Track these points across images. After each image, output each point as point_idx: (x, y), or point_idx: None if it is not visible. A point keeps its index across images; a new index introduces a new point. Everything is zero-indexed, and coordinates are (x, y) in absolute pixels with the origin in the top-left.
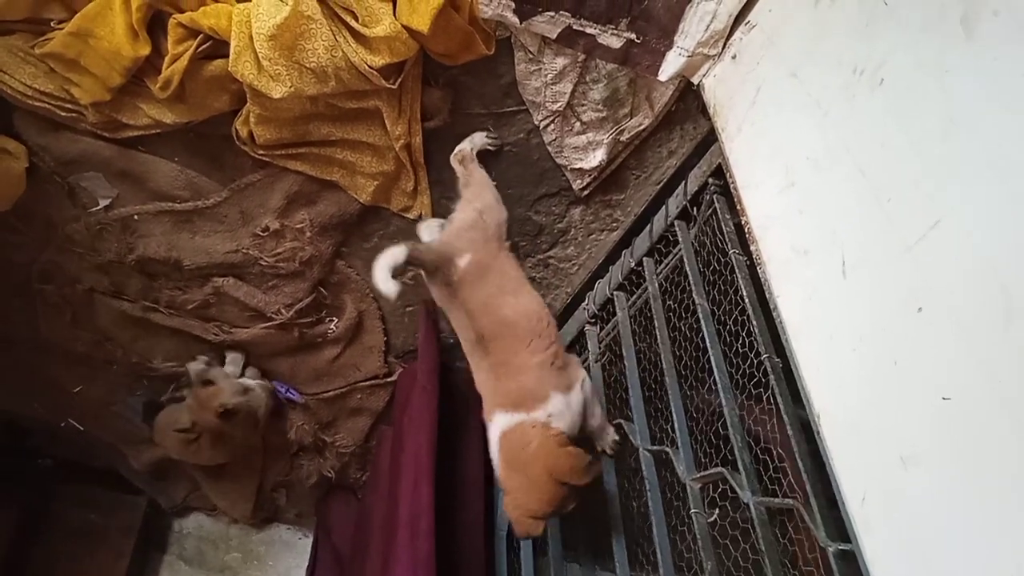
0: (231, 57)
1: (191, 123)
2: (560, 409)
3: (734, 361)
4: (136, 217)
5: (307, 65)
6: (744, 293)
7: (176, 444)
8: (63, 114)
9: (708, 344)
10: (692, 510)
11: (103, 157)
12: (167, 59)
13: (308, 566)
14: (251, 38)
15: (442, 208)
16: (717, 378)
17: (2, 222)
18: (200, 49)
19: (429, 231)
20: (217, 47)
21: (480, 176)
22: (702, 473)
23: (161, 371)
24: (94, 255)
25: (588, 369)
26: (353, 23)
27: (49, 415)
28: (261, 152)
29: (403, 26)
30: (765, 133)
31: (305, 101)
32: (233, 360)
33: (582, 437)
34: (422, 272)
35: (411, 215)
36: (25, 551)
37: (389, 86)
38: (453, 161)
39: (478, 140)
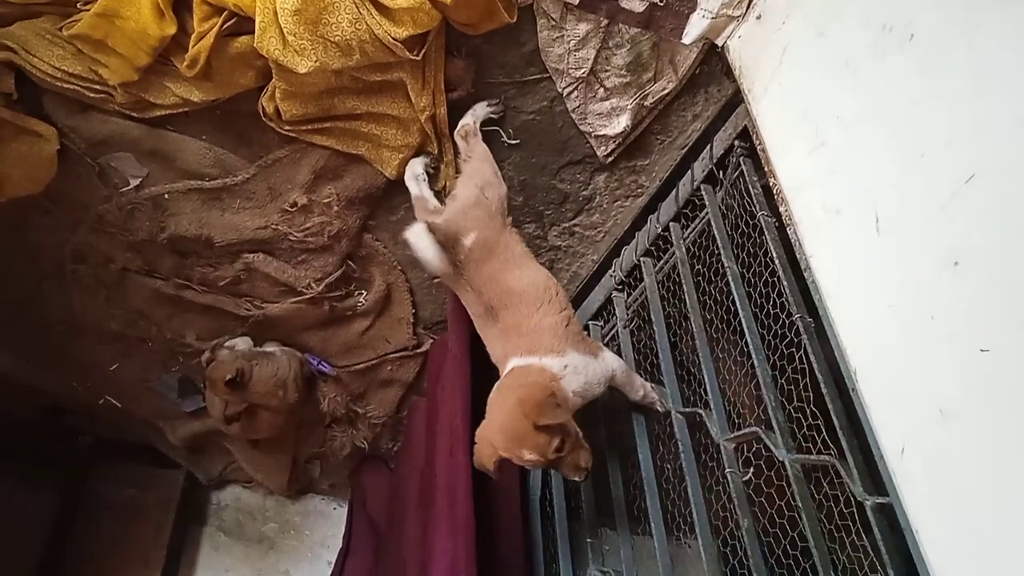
0: (256, 33)
1: (218, 100)
2: (578, 366)
3: (765, 322)
4: (166, 196)
5: (331, 39)
6: (774, 254)
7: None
8: (92, 95)
9: (738, 306)
10: (727, 470)
11: (132, 137)
12: (193, 37)
13: (344, 535)
14: (276, 13)
15: None
16: (748, 339)
17: (34, 204)
18: (225, 26)
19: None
20: (242, 24)
21: (481, 151)
22: (736, 433)
23: (195, 347)
24: (126, 234)
25: (617, 335)
26: None
27: (87, 394)
28: (287, 128)
29: None
30: (793, 94)
31: (330, 75)
32: (241, 342)
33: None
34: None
35: (435, 187)
36: (68, 528)
37: (413, 57)
38: (456, 136)
39: (480, 111)
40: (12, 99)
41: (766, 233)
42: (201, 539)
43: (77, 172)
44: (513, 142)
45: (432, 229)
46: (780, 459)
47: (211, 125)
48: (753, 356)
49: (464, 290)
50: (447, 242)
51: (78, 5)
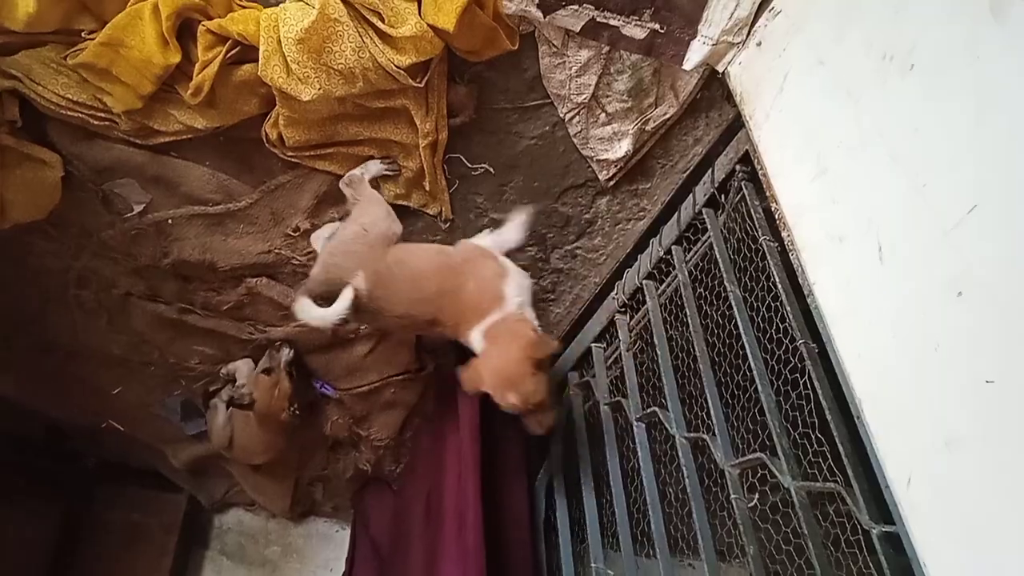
0: (260, 62)
1: (221, 127)
2: (515, 290)
3: (768, 347)
4: (170, 221)
5: (335, 67)
6: (776, 279)
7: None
8: (96, 123)
9: (741, 330)
10: (732, 496)
11: (136, 163)
12: (197, 66)
13: (347, 558)
14: (279, 42)
15: (468, 203)
16: (752, 364)
17: (38, 230)
18: (229, 55)
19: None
20: (245, 52)
21: (369, 193)
22: (740, 459)
23: (197, 371)
24: (129, 260)
25: (620, 357)
26: (379, 24)
27: (89, 417)
28: (290, 154)
29: (429, 25)
30: (795, 120)
31: (333, 102)
32: (243, 365)
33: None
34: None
35: (430, 211)
36: (71, 552)
37: (416, 85)
38: (341, 185)
39: (372, 168)
40: (17, 126)
41: (768, 258)
42: (204, 563)
43: (81, 198)
44: (477, 170)
45: (312, 289)
46: (785, 486)
47: (214, 151)
48: (757, 381)
49: (395, 322)
50: (333, 288)
51: (83, 34)
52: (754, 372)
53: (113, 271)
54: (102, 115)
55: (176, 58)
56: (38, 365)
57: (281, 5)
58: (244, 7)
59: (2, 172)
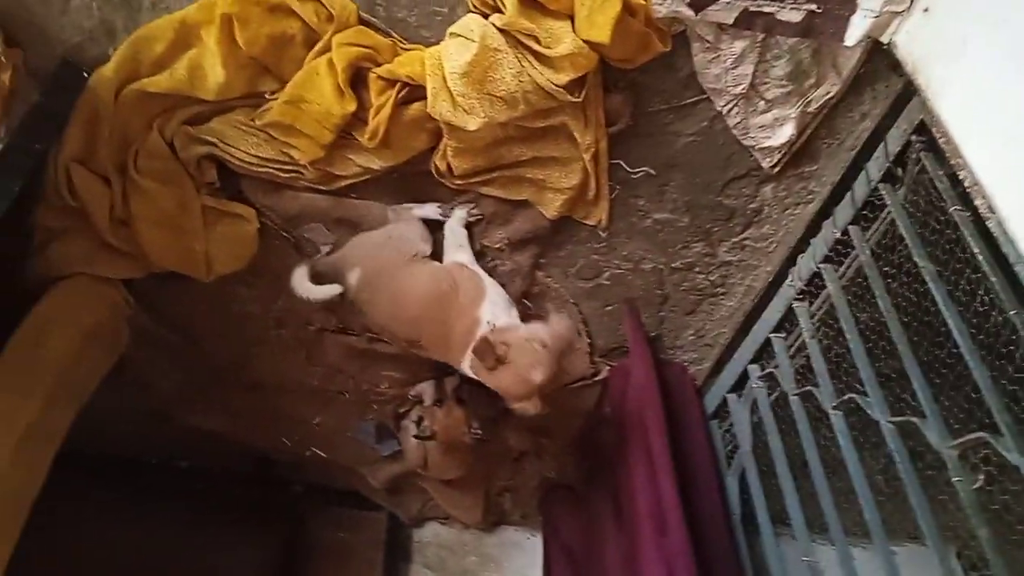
0: (429, 99)
1: (395, 165)
2: (488, 311)
3: (973, 321)
4: None
5: (497, 94)
6: (974, 249)
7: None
8: (283, 175)
9: (941, 306)
10: (954, 478)
11: (321, 208)
12: (372, 110)
13: (543, 565)
14: (444, 78)
15: (629, 207)
16: (958, 340)
17: (239, 279)
18: (399, 96)
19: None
20: (413, 91)
21: (408, 216)
22: (958, 440)
23: (387, 395)
24: None
25: (804, 345)
26: (536, 46)
27: (294, 447)
28: (459, 182)
29: (584, 40)
30: (980, 84)
31: (497, 128)
32: (428, 387)
33: None
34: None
35: (590, 221)
36: (292, 572)
37: (575, 99)
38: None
39: (459, 215)
40: (215, 187)
41: (962, 228)
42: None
43: (275, 246)
44: (637, 174)
45: (313, 271)
46: (1015, 463)
47: (389, 188)
48: (966, 357)
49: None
50: (335, 276)
51: (266, 95)
52: (961, 348)
53: (307, 309)
54: (289, 167)
55: (352, 106)
56: (247, 402)
57: (442, 43)
58: (408, 50)
59: (205, 230)
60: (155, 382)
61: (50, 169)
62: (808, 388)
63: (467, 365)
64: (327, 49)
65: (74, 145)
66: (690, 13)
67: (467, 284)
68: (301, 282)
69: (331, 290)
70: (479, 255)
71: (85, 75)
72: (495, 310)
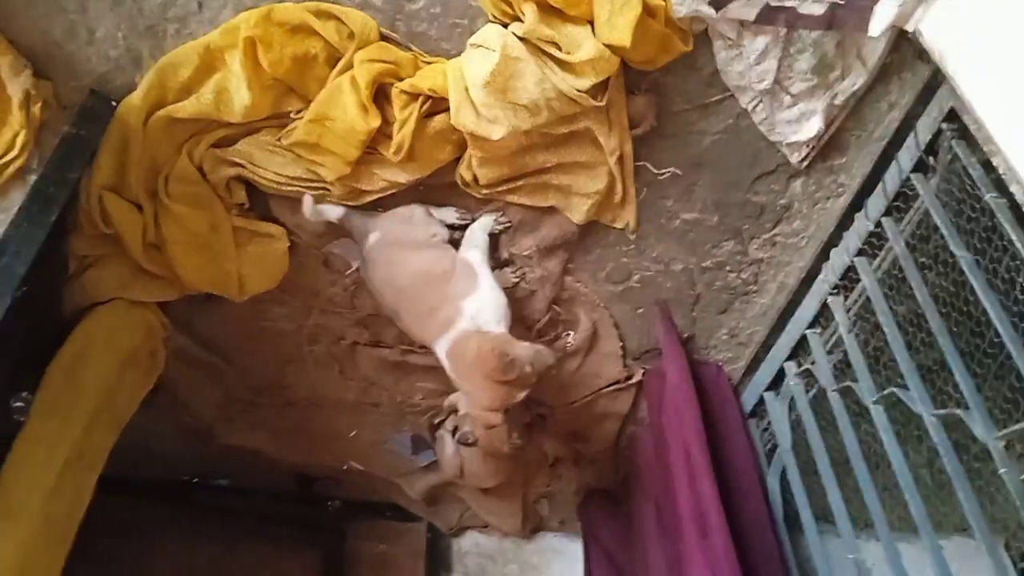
0: (452, 111)
1: (421, 178)
2: (478, 308)
3: (1014, 309)
4: None
5: (520, 103)
6: (1012, 236)
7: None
8: (312, 193)
9: (980, 295)
10: (1001, 470)
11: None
12: (396, 125)
13: (584, 570)
14: (466, 89)
15: (657, 208)
16: (999, 328)
17: (271, 298)
18: (423, 109)
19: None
20: (436, 104)
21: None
22: (1004, 431)
23: (422, 406)
24: (353, 312)
25: (841, 340)
26: (557, 53)
27: (332, 461)
28: (485, 191)
29: (604, 44)
30: (1009, 69)
31: (521, 136)
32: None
33: None
34: None
35: (618, 225)
36: None
37: (598, 104)
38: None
39: (486, 222)
40: (245, 208)
41: (998, 215)
42: None
43: (305, 263)
44: (664, 175)
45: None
46: None
47: (415, 200)
48: (1009, 346)
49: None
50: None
51: (291, 115)
52: (1003, 336)
53: (340, 324)
54: (316, 185)
55: (376, 122)
56: (283, 419)
57: (463, 55)
58: (429, 63)
59: (237, 251)
60: (193, 402)
61: (82, 197)
62: (847, 383)
63: (443, 352)
64: (349, 66)
65: (105, 173)
66: (710, 11)
67: (462, 276)
68: (308, 204)
69: (335, 211)
70: (507, 263)
71: (113, 104)
72: (483, 312)
